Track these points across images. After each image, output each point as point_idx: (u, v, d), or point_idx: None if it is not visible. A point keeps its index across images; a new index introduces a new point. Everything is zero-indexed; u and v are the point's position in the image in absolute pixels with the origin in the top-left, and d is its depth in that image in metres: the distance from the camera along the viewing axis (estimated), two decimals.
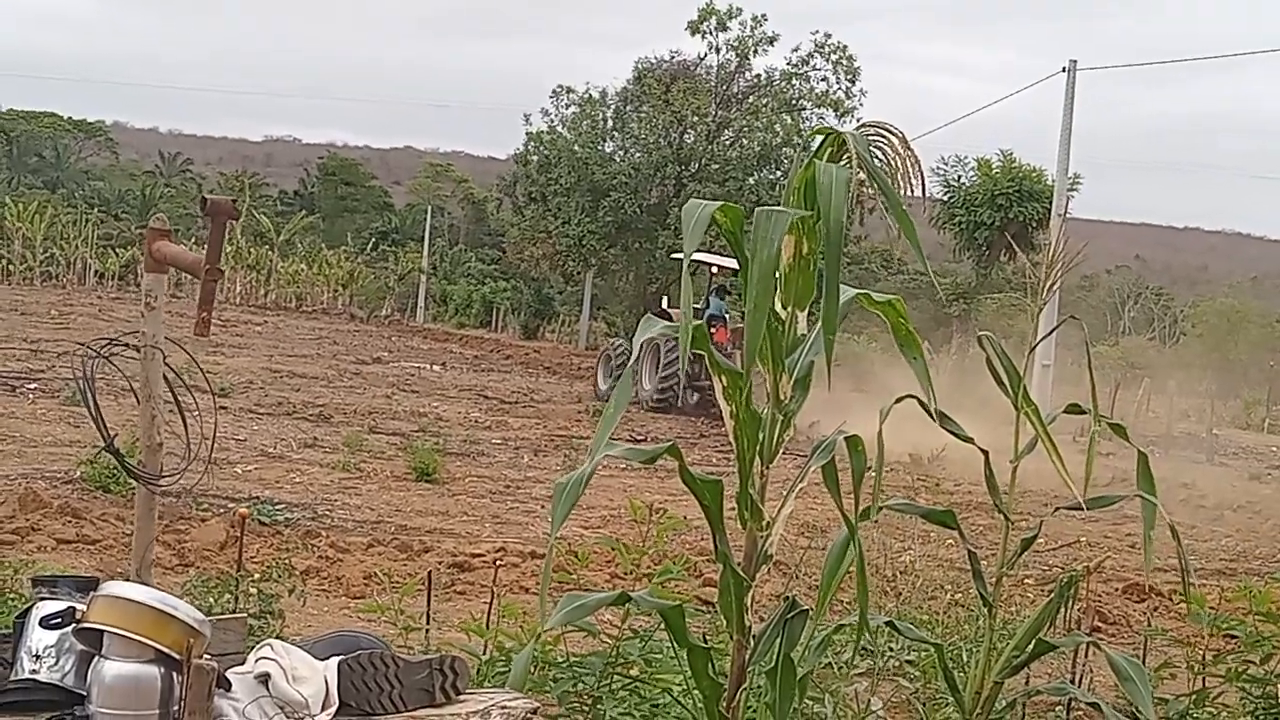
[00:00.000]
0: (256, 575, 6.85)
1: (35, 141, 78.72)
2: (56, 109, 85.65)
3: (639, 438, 21.16)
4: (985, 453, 4.38)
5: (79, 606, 3.37)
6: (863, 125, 3.69)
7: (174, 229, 4.32)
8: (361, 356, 34.13)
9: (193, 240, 46.79)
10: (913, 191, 3.69)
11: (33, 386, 19.84)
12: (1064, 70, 32.19)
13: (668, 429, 23.59)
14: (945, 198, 42.63)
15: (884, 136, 3.65)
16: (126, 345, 4.02)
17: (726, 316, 28.24)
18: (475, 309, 57.41)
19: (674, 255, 35.21)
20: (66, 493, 11.81)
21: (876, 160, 3.58)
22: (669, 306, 30.04)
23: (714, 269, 28.43)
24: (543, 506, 14.24)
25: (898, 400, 4.04)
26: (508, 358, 40.76)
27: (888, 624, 4.46)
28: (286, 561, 7.79)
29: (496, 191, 62.90)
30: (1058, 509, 4.62)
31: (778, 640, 3.75)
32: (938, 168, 42.96)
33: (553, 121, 48.03)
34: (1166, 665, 6.29)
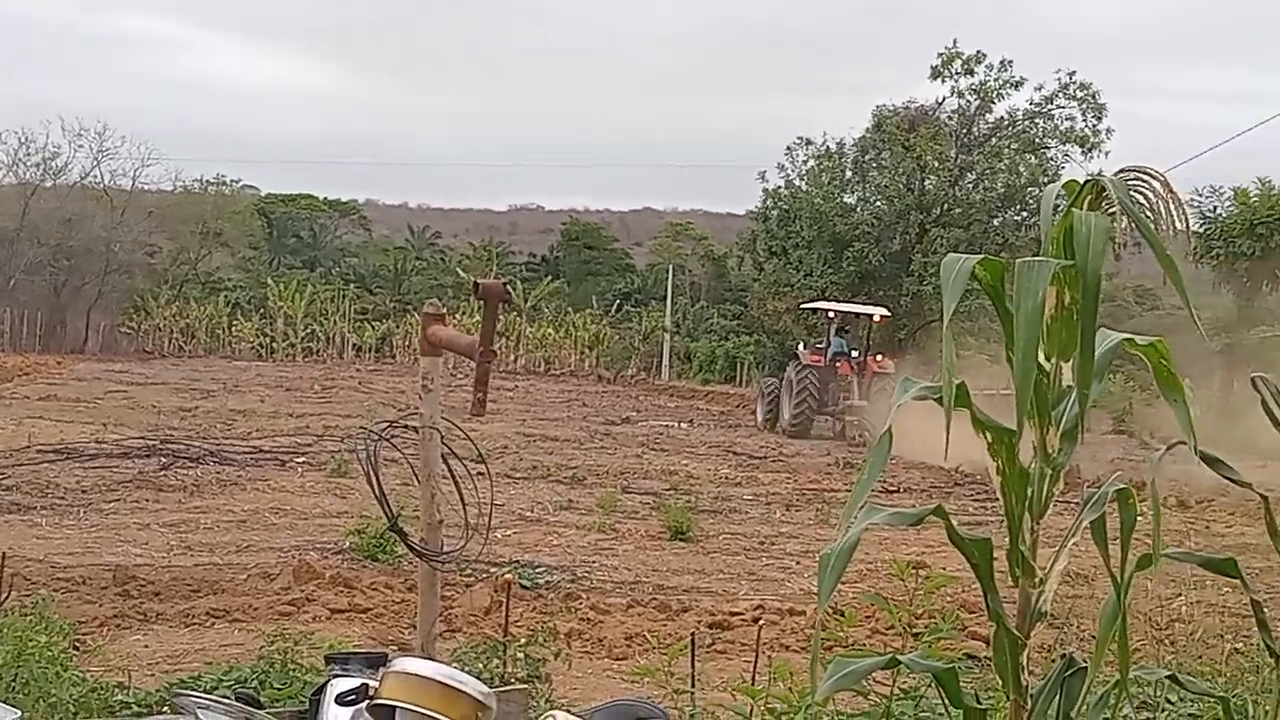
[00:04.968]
0: (522, 640, 6.98)
1: (294, 223, 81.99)
2: (311, 190, 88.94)
3: (891, 489, 20.94)
4: (1265, 497, 4.21)
5: (371, 683, 3.49)
6: (1122, 171, 3.62)
7: (425, 298, 4.45)
8: (610, 417, 34.55)
9: (443, 309, 47.99)
10: (1175, 234, 3.59)
11: (301, 460, 20.64)
12: None
13: (919, 479, 23.25)
14: (1201, 229, 41.17)
15: (1144, 180, 3.57)
16: (406, 427, 4.15)
17: (852, 353, 33.12)
18: (719, 365, 57.52)
19: (804, 306, 39.84)
20: (337, 563, 12.25)
21: (1136, 205, 3.50)
22: (803, 351, 34.30)
23: (831, 313, 34.62)
24: (798, 562, 14.19)
25: (1169, 448, 3.92)
26: (754, 412, 40.81)
27: (1169, 678, 4.29)
28: (550, 625, 7.93)
29: (737, 248, 63.08)
30: None
31: (1056, 699, 3.66)
32: (1192, 199, 41.55)
33: (789, 175, 48.10)
34: None
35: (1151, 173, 3.50)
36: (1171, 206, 3.49)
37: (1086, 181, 3.54)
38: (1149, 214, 3.51)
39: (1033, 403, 3.60)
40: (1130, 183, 3.50)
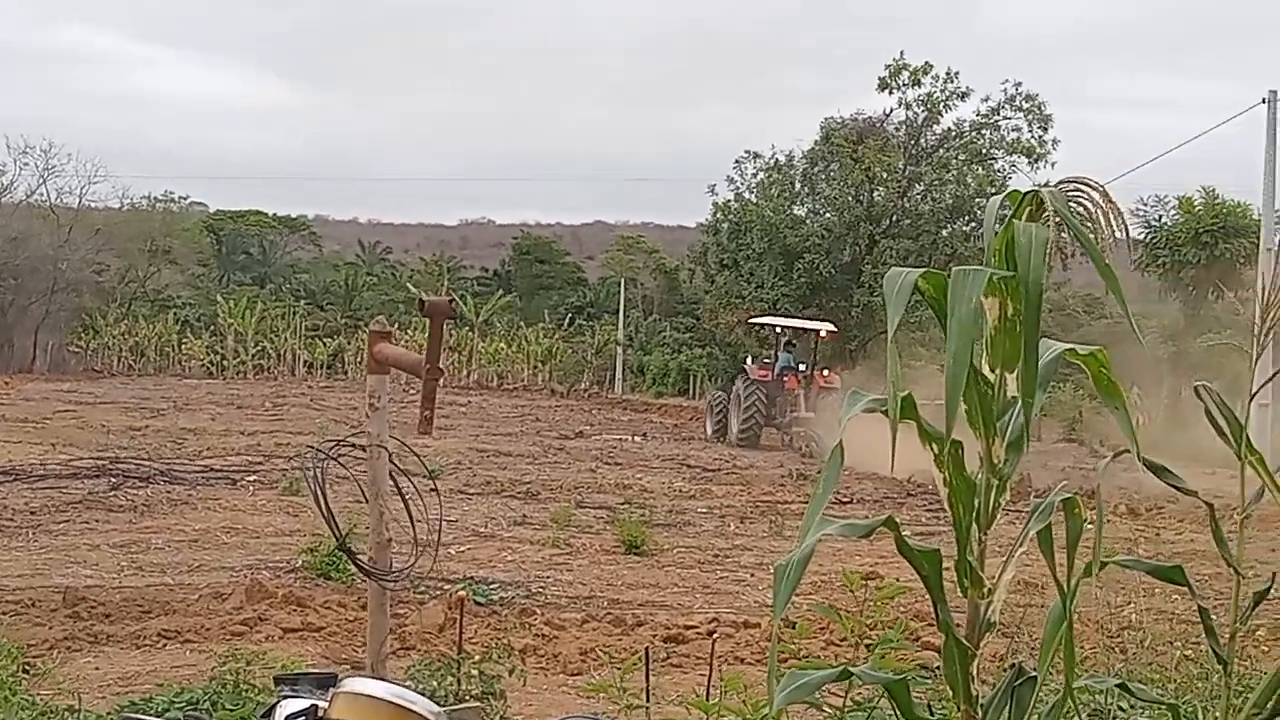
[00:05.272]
0: (477, 656, 6.96)
1: (243, 239, 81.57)
2: (261, 206, 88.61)
3: (844, 500, 20.98)
4: (1210, 505, 4.24)
5: (321, 704, 3.46)
6: (1061, 181, 3.65)
7: (376, 314, 4.44)
8: (564, 431, 34.52)
9: (395, 325, 47.96)
10: (1115, 243, 3.63)
11: (252, 479, 20.50)
12: (1264, 101, 31.31)
13: (872, 489, 23.32)
14: (1147, 239, 41.59)
15: (1083, 191, 3.60)
16: (353, 445, 4.14)
17: (799, 367, 33.88)
18: (672, 378, 57.61)
19: (752, 321, 40.88)
20: (290, 581, 12.17)
21: (1077, 216, 3.53)
22: (750, 365, 34.83)
23: (778, 329, 35.63)
24: (752, 575, 14.20)
25: (1115, 456, 3.95)
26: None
27: (1119, 686, 4.31)
28: (505, 641, 7.91)
29: (688, 261, 63.25)
30: None
31: (1007, 709, 3.68)
32: (1137, 209, 41.99)
33: (739, 188, 48.27)
34: None
35: (1091, 183, 3.54)
36: (1111, 216, 3.52)
37: (1027, 193, 3.57)
38: (1089, 224, 3.54)
39: (979, 414, 3.63)
40: (1070, 194, 3.53)
